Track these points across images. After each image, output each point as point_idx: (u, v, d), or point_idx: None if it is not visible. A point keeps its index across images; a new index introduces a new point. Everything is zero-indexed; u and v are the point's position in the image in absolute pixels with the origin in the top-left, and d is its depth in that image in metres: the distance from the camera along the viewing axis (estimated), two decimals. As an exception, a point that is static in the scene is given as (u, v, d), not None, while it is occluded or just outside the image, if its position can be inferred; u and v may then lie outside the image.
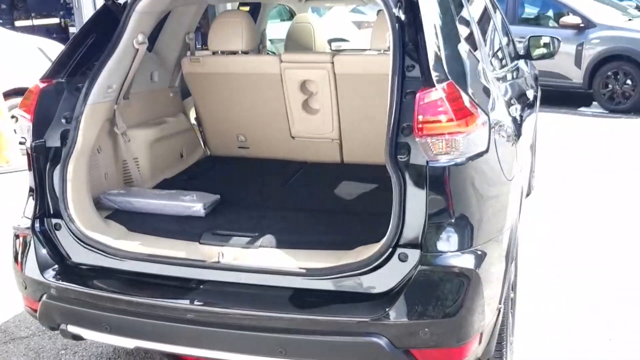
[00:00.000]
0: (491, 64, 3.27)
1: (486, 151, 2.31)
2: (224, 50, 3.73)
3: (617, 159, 6.75)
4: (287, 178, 3.63)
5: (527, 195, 5.07)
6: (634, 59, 9.09)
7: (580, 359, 3.14)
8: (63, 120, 2.74)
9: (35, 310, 2.72)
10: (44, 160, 2.66)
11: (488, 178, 2.45)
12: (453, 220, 2.27)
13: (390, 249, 2.23)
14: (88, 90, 2.81)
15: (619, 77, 9.25)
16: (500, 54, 3.88)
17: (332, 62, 3.53)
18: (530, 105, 4.26)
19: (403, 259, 2.22)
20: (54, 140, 2.71)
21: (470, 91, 2.35)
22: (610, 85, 9.33)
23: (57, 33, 12.82)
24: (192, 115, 4.22)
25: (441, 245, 2.26)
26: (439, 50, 2.39)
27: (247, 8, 5.25)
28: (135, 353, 3.22)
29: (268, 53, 5.51)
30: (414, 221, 2.22)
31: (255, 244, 2.68)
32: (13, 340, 3.37)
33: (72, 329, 2.66)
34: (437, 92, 2.26)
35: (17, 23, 12.71)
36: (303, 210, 3.10)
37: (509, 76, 3.79)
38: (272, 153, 3.97)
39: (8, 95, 6.93)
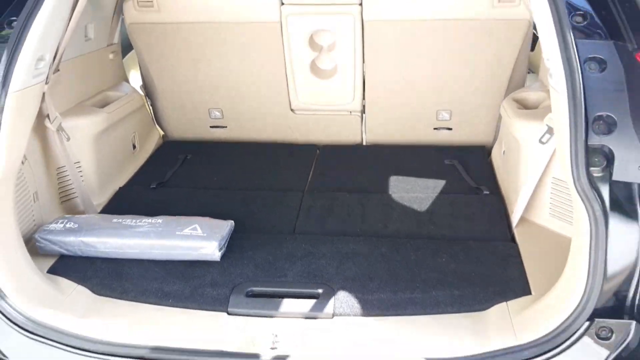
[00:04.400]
0: None
1: None
2: None
3: None
4: (303, 171, 2.55)
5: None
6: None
7: None
8: None
9: None
10: None
11: None
12: None
13: (587, 322, 1.49)
14: (8, 69, 1.60)
15: None
16: None
17: (361, 4, 2.45)
18: None
19: (605, 336, 1.51)
20: None
21: None
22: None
23: None
24: (133, 81, 2.98)
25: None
26: None
27: None
28: None
29: None
30: (623, 275, 1.48)
31: (324, 310, 1.68)
32: None
33: None
34: None
35: None
36: (365, 234, 2.07)
37: None
38: (261, 134, 2.85)
39: None
